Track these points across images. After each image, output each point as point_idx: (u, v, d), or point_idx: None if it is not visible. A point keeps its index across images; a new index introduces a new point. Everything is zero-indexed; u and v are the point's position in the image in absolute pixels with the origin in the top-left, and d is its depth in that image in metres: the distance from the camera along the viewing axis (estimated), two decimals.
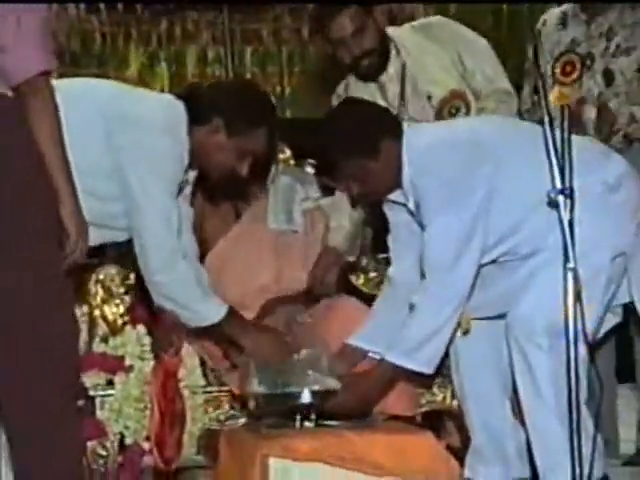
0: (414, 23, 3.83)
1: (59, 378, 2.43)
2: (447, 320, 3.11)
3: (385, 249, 3.53)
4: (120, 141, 3.01)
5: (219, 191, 3.48)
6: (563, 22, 3.95)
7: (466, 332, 3.24)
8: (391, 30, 3.70)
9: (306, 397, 3.04)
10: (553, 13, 3.98)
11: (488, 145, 3.16)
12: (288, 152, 3.73)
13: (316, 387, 3.05)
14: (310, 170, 3.72)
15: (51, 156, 2.42)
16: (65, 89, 2.95)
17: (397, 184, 3.19)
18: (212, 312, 3.14)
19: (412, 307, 3.16)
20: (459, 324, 3.19)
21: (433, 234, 3.11)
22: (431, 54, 3.68)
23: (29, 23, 2.38)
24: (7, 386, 2.40)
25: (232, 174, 3.20)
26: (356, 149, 3.13)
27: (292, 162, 3.74)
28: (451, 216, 3.07)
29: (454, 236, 3.07)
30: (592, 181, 2.99)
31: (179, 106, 3.13)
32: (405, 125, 3.27)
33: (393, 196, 3.25)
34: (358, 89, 3.71)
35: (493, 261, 3.22)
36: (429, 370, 3.12)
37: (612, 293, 3.13)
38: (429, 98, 3.67)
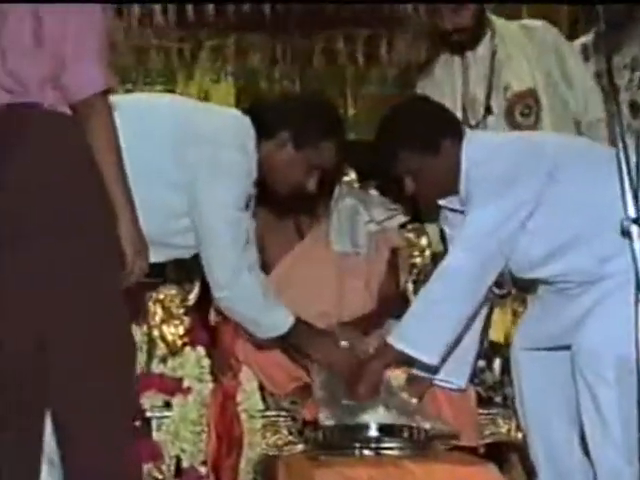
0: (522, 21, 3.81)
1: (116, 394, 2.42)
2: (459, 300, 3.04)
3: None
4: (190, 156, 3.00)
5: (285, 206, 3.44)
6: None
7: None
8: (494, 18, 3.70)
9: (373, 431, 3.00)
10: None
11: (548, 154, 3.12)
12: (353, 174, 3.67)
13: (383, 421, 3.01)
14: (374, 192, 3.67)
15: (110, 174, 2.42)
16: (136, 103, 2.97)
17: (453, 188, 3.16)
18: (279, 323, 3.10)
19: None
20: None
21: (468, 221, 3.07)
22: (522, 49, 3.67)
23: (88, 40, 2.38)
24: (67, 398, 2.39)
25: (299, 189, 3.19)
26: (417, 143, 3.13)
27: (356, 185, 3.68)
28: (489, 208, 3.03)
29: (487, 221, 3.03)
30: None
31: (246, 121, 3.12)
32: (467, 130, 3.27)
33: (449, 203, 3.20)
34: (443, 67, 3.73)
35: (554, 288, 3.14)
36: (433, 360, 3.06)
37: None
38: (506, 89, 3.65)
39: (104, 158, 2.41)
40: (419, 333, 3.06)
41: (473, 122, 3.65)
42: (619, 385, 2.86)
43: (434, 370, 3.15)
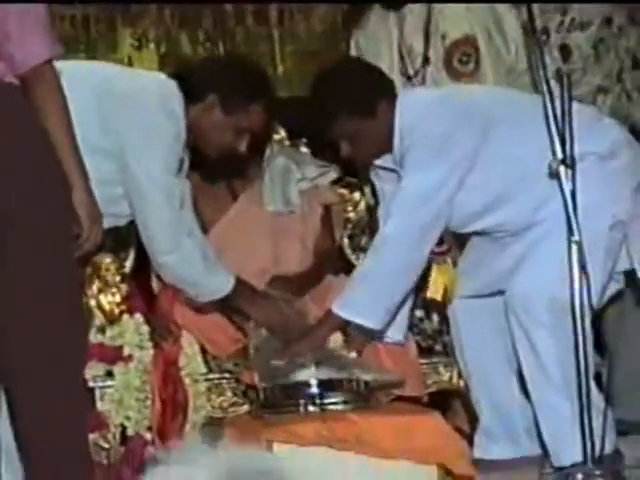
0: None
1: (68, 368, 2.43)
2: (400, 268, 3.06)
3: None
4: (117, 122, 2.97)
5: (216, 169, 3.42)
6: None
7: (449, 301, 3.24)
8: None
9: (314, 387, 3.01)
10: None
11: (481, 110, 3.13)
12: (282, 133, 3.65)
13: (321, 377, 3.01)
14: (305, 150, 3.66)
15: (61, 143, 2.41)
16: (60, 71, 2.92)
17: (388, 148, 3.16)
18: (220, 285, 3.11)
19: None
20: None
21: (404, 184, 3.07)
22: None
23: (32, 11, 2.35)
24: (18, 376, 2.40)
25: (230, 151, 3.16)
26: (354, 107, 3.10)
27: (287, 143, 3.66)
28: (427, 172, 3.03)
29: (424, 184, 3.03)
30: (586, 149, 2.93)
31: (172, 84, 3.08)
32: (400, 89, 3.27)
33: (382, 161, 3.21)
34: (377, 19, 3.71)
35: (488, 236, 3.17)
36: (377, 325, 3.09)
37: (612, 262, 3.08)
38: (443, 37, 3.65)
39: (56, 126, 2.40)
40: (362, 301, 3.07)
41: (411, 72, 3.66)
42: (554, 327, 2.91)
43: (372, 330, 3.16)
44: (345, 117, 3.11)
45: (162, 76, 3.18)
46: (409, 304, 3.25)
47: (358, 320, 3.08)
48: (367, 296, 3.06)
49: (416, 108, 3.14)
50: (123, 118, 2.97)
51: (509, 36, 3.66)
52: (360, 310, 3.07)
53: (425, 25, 3.64)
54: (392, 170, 3.20)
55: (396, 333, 3.23)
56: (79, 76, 2.97)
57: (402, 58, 3.68)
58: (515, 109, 3.16)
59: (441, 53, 3.65)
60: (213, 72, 3.18)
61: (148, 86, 3.07)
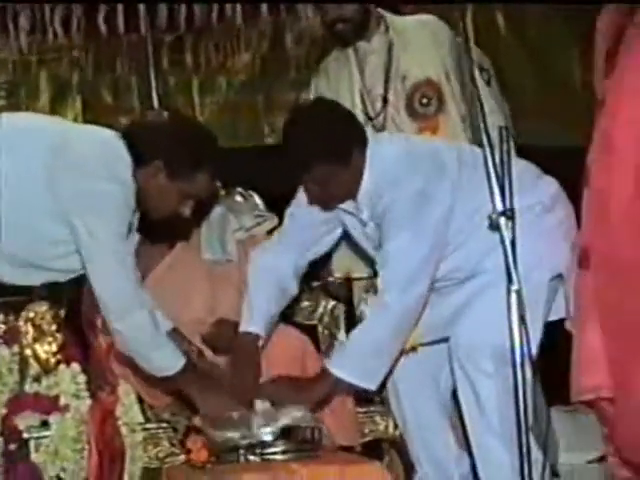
0: (415, 16, 3.82)
1: None
2: (399, 335, 3.09)
3: (317, 278, 3.52)
4: (65, 187, 2.91)
5: (160, 231, 3.35)
6: None
7: (413, 349, 3.23)
8: (388, 15, 3.73)
9: (267, 435, 2.99)
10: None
11: (445, 162, 3.16)
12: (217, 182, 3.65)
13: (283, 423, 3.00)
14: (240, 199, 3.66)
15: None
16: (15, 125, 2.87)
17: (353, 194, 3.15)
18: (167, 365, 3.01)
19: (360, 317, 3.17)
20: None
21: (395, 250, 3.07)
22: (418, 40, 3.69)
23: None
24: None
25: (174, 215, 3.11)
26: (330, 154, 3.07)
27: (222, 192, 3.66)
28: (414, 233, 3.04)
29: (417, 254, 3.05)
30: (527, 203, 3.00)
31: (121, 147, 3.01)
32: (369, 134, 3.25)
33: (345, 206, 3.20)
34: (337, 63, 3.75)
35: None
36: (373, 387, 3.10)
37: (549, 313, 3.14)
38: (403, 79, 3.67)
39: None
40: (364, 364, 3.07)
41: (372, 114, 3.67)
42: (497, 376, 2.95)
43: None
44: (321, 165, 3.07)
45: (111, 138, 3.05)
46: None
47: (359, 383, 3.08)
48: (369, 360, 3.06)
49: (389, 161, 3.13)
50: (72, 185, 2.91)
51: (466, 81, 3.68)
52: (361, 373, 3.07)
53: (385, 67, 3.68)
54: (351, 214, 3.21)
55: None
56: (35, 136, 2.95)
57: (363, 99, 3.70)
58: (466, 162, 3.21)
59: (402, 95, 3.67)
60: (160, 136, 3.06)
61: (99, 152, 2.99)
